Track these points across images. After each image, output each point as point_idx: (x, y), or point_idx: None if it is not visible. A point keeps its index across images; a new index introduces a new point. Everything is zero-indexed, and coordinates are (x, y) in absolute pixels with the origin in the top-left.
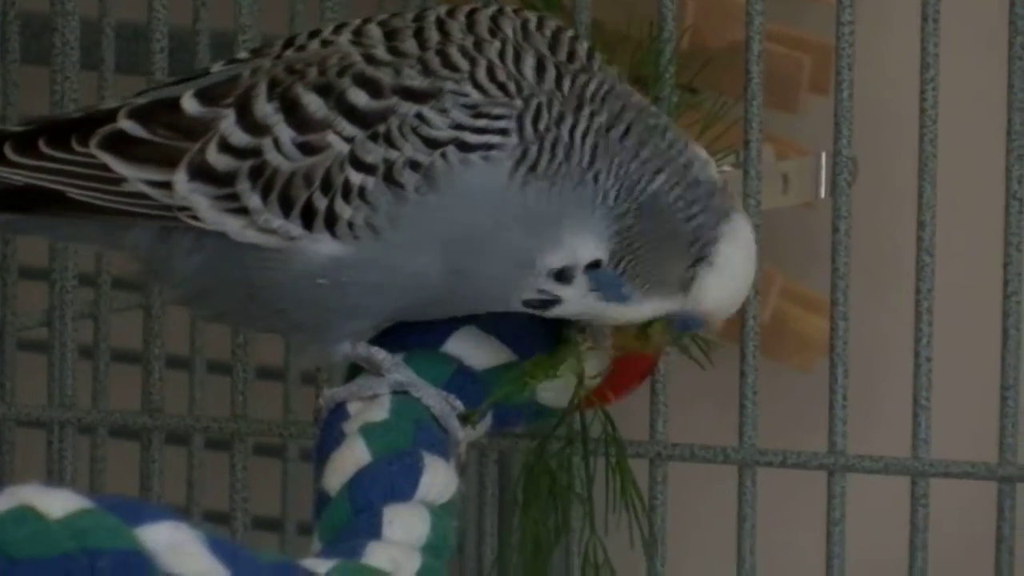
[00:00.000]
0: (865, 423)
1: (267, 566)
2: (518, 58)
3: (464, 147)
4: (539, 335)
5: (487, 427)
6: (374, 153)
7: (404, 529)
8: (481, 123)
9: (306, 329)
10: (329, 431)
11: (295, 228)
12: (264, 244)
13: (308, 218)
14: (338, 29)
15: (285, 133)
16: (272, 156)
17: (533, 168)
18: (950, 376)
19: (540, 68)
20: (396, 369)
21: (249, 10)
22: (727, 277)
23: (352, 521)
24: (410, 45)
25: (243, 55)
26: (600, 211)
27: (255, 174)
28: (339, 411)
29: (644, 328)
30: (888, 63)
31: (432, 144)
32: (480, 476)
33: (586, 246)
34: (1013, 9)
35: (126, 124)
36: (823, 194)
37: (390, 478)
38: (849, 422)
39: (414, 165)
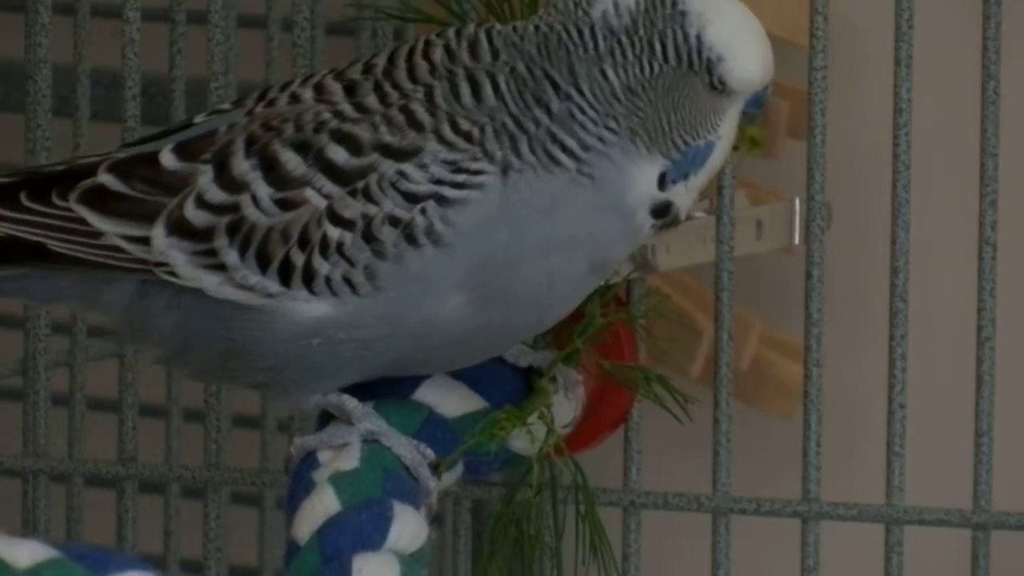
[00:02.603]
0: (840, 470)
1: None
2: (456, 93)
3: (443, 201)
4: (510, 383)
5: (458, 475)
6: (352, 208)
7: None
8: (460, 178)
9: (287, 384)
10: (299, 480)
11: (272, 284)
12: (242, 301)
13: (285, 274)
14: (304, 82)
15: (263, 189)
16: (250, 212)
17: (521, 184)
18: (924, 423)
19: (475, 88)
20: (367, 418)
21: (222, 57)
22: (744, 48)
23: (322, 570)
24: (372, 101)
25: (225, 106)
26: (619, 140)
27: (233, 230)
28: (309, 460)
29: (736, 140)
30: (863, 108)
31: (412, 199)
32: (453, 524)
33: (647, 173)
34: (985, 55)
35: (106, 178)
36: (797, 240)
37: (360, 527)
38: (824, 469)
39: (393, 221)
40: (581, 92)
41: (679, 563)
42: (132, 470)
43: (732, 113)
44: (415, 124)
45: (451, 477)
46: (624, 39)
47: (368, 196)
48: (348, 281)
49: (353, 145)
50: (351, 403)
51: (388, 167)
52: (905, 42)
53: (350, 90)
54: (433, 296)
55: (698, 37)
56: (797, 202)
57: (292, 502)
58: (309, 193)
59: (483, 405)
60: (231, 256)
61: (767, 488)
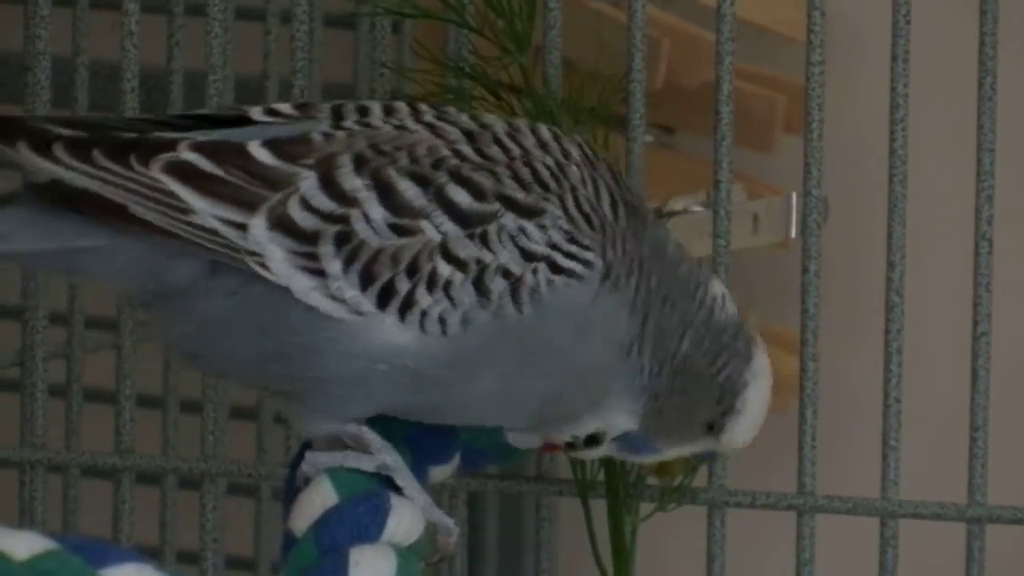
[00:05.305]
0: (835, 464)
1: None
2: (597, 192)
3: (554, 268)
4: None
5: (455, 468)
6: (468, 250)
7: (370, 570)
8: (573, 249)
9: (320, 398)
10: (298, 472)
11: (367, 303)
12: (326, 311)
13: (384, 297)
14: (390, 112)
15: (377, 211)
16: (361, 227)
17: (614, 292)
18: (920, 417)
19: (614, 205)
20: (386, 451)
21: (220, 50)
22: (752, 421)
23: (318, 562)
24: (495, 151)
25: (287, 109)
26: (637, 386)
27: (341, 240)
28: None
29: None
30: (860, 103)
31: (528, 256)
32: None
33: (620, 420)
34: (982, 50)
35: (192, 156)
36: (794, 234)
37: (356, 519)
38: (819, 462)
39: (506, 273)
40: (664, 296)
41: (675, 556)
42: (129, 461)
43: (693, 448)
44: (541, 183)
45: (447, 470)
46: (713, 332)
47: (485, 242)
48: (442, 320)
49: (475, 190)
50: (369, 435)
51: (511, 220)
52: (902, 37)
53: (470, 135)
54: (493, 358)
55: (745, 385)
56: (794, 196)
57: (290, 494)
58: (425, 224)
59: None
60: (334, 265)
61: (762, 481)
